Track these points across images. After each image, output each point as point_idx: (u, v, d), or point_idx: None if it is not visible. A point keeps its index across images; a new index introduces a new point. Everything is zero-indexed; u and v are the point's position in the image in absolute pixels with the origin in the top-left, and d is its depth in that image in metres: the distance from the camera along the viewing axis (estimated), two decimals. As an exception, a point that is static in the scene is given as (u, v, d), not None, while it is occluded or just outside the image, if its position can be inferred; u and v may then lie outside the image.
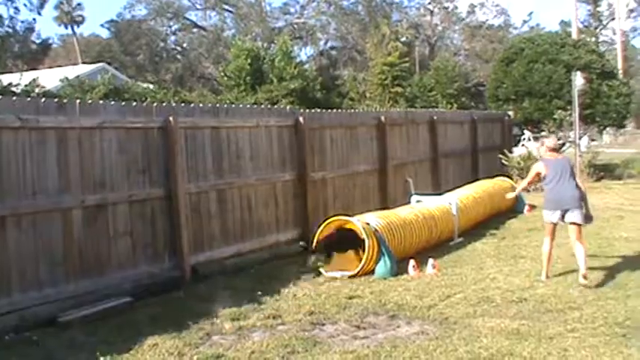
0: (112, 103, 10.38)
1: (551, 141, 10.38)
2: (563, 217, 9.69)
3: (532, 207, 16.57)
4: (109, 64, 43.75)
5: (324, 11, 62.31)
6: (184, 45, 65.09)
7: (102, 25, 69.76)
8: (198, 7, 63.55)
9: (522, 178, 20.68)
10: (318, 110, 14.79)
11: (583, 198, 9.77)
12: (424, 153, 17.85)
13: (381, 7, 63.23)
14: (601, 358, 6.55)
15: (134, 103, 11.03)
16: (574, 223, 9.63)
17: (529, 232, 13.54)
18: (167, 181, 10.05)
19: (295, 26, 62.15)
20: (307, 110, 14.11)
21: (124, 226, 9.45)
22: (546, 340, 7.10)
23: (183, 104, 14.79)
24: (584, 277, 9.28)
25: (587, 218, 9.84)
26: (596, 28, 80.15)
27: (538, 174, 10.01)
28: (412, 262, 10.44)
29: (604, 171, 25.66)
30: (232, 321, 8.10)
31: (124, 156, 9.52)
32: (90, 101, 12.24)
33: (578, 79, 23.91)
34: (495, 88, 27.44)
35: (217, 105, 13.98)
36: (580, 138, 25.78)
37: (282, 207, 12.39)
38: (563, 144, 26.26)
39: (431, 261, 10.51)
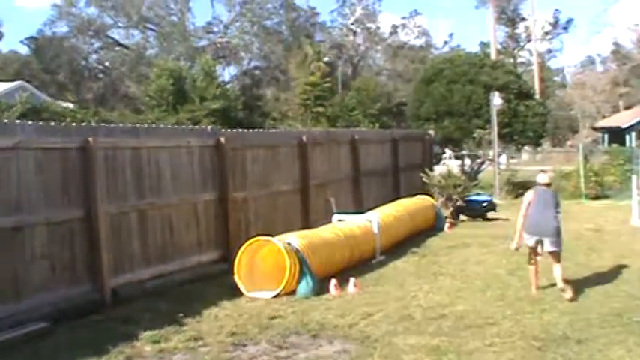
0: (30, 122, 10.16)
1: (543, 177, 10.64)
2: (540, 243, 10.07)
3: (452, 224, 16.87)
4: (28, 82, 42.79)
5: (247, 31, 62.40)
6: (106, 63, 64.26)
7: (21, 42, 68.13)
8: (121, 25, 62.84)
9: (443, 197, 21.14)
10: (240, 130, 14.77)
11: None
12: (346, 172, 17.94)
13: (304, 27, 63.71)
14: (515, 372, 6.72)
15: (52, 123, 10.83)
16: (551, 251, 10.01)
17: (449, 250, 13.77)
18: (86, 203, 9.88)
19: (218, 45, 62.05)
20: (229, 130, 14.08)
21: (41, 249, 9.23)
22: (466, 355, 7.22)
23: (103, 124, 14.59)
24: (562, 290, 9.65)
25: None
26: (514, 49, 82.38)
27: (529, 202, 10.27)
28: (334, 281, 10.48)
29: (522, 188, 26.23)
30: (153, 344, 8.00)
31: (42, 177, 9.31)
32: (6, 121, 11.97)
33: (496, 99, 24.57)
34: (416, 107, 27.90)
35: (138, 125, 13.82)
36: (499, 156, 26.43)
37: (203, 228, 12.28)
38: (483, 162, 26.89)
39: (352, 280, 10.57)
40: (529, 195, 10.42)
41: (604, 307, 8.96)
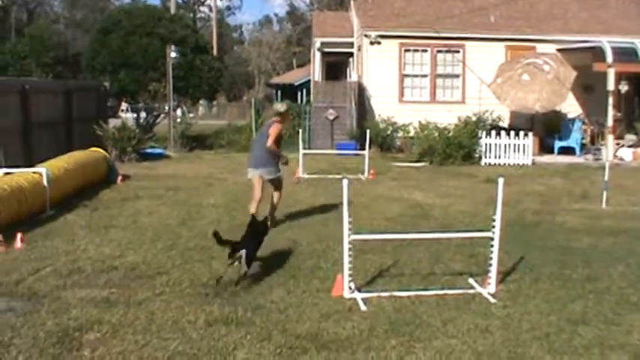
0: None
1: (275, 107, 12.39)
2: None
3: (125, 177, 16.79)
4: None
5: None
6: None
7: None
8: None
9: (117, 149, 20.97)
10: None
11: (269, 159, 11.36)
12: (16, 123, 17.10)
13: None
14: (185, 317, 6.88)
15: None
16: (270, 180, 11.50)
17: (121, 202, 13.71)
18: None
19: None
20: None
21: None
22: (135, 305, 7.27)
23: None
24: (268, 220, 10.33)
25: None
26: (194, 4, 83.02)
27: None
28: (-1, 236, 10.00)
29: (197, 141, 26.87)
30: None
31: None
32: None
33: (173, 53, 24.79)
34: (92, 58, 27.20)
35: None
36: (174, 109, 26.71)
37: None
38: (158, 115, 26.99)
39: (19, 235, 10.13)
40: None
41: (268, 253, 9.44)
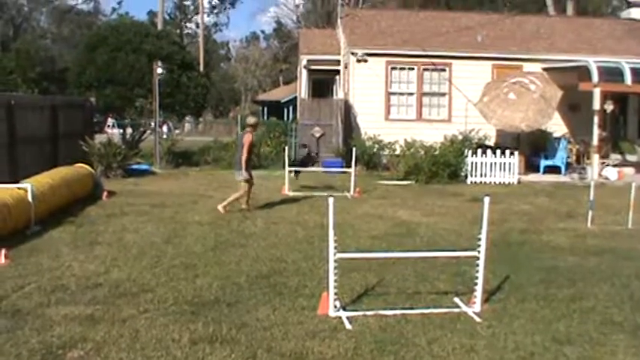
0: None
1: (247, 120, 15.93)
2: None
3: (110, 193, 16.72)
4: None
5: None
6: None
7: None
8: None
9: (103, 165, 20.90)
10: None
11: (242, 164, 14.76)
12: (1, 138, 16.97)
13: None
14: (170, 335, 6.85)
15: None
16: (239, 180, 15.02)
17: (107, 219, 13.64)
18: None
19: None
20: None
21: None
22: (119, 323, 7.23)
23: None
24: (224, 208, 14.62)
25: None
26: (181, 20, 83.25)
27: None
28: (-32, 255, 9.90)
29: (183, 158, 26.78)
30: None
31: None
32: None
33: (159, 69, 24.78)
34: (79, 74, 27.12)
35: None
36: (161, 126, 26.68)
37: None
38: (144, 131, 26.93)
39: (3, 251, 10.06)
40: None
41: (253, 271, 9.49)
